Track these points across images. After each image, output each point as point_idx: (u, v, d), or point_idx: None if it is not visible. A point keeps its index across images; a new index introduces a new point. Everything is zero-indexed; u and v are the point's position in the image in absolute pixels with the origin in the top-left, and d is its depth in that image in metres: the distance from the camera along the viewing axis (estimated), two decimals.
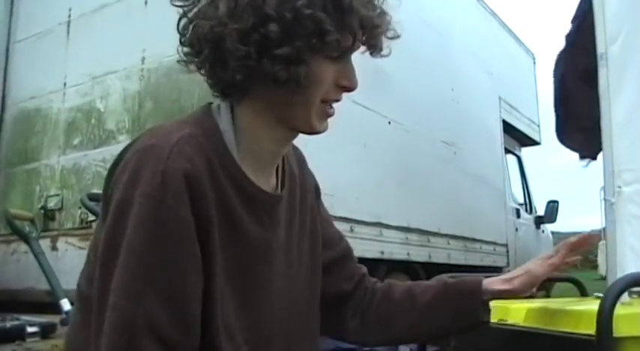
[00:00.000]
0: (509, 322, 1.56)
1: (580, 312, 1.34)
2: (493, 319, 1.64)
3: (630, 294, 1.43)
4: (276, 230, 1.22)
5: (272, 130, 1.18)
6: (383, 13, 1.15)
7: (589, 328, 1.24)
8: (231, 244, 1.12)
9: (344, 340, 1.50)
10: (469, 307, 1.38)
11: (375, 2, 1.13)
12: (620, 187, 3.71)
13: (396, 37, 1.18)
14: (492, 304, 1.73)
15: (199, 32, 1.09)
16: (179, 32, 1.15)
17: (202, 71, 1.15)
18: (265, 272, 1.18)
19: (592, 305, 1.36)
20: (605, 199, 3.82)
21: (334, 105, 1.19)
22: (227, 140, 1.15)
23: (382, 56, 1.19)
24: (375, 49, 1.17)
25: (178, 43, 1.16)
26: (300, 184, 1.34)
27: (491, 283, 1.41)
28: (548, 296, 8.38)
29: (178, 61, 1.17)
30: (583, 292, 2.01)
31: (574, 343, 1.26)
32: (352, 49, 1.13)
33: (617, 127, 3.74)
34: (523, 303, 1.66)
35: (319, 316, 1.34)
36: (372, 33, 1.13)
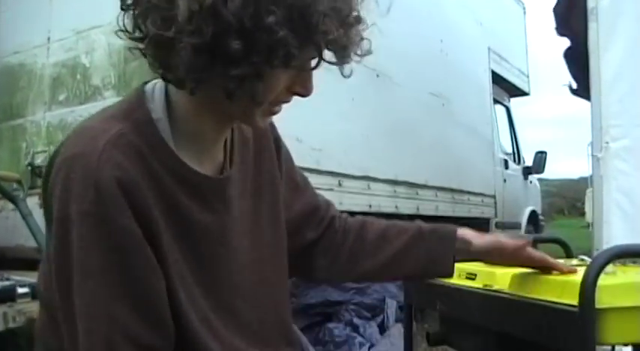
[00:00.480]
0: (495, 287, 1.58)
1: (564, 282, 1.35)
2: (478, 285, 1.66)
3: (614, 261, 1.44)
4: (229, 210, 1.18)
5: (213, 121, 1.14)
6: (354, 30, 1.06)
7: (572, 299, 1.25)
8: (184, 237, 1.10)
9: (311, 279, 1.51)
10: (441, 254, 1.41)
11: (348, 15, 1.03)
12: (607, 142, 3.73)
13: (367, 54, 1.11)
14: (479, 268, 1.75)
15: (149, 28, 0.99)
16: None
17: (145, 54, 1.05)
18: (223, 254, 1.16)
19: (576, 273, 1.37)
20: (592, 155, 3.85)
21: None
22: (162, 130, 1.09)
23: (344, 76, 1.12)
24: (340, 65, 1.09)
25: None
26: (255, 146, 1.29)
27: (464, 233, 1.44)
28: None
29: (116, 32, 1.06)
30: (569, 254, 2.02)
31: (557, 313, 1.27)
32: (315, 67, 1.07)
33: (606, 83, 3.74)
34: (508, 269, 1.68)
35: (287, 278, 1.34)
36: (339, 53, 1.06)
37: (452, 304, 1.70)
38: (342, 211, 1.52)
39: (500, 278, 1.61)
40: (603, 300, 1.22)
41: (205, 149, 1.16)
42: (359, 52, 1.09)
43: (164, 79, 1.08)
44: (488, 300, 1.55)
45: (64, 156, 1.03)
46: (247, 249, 1.22)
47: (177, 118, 1.11)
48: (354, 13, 1.05)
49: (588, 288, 1.19)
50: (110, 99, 3.96)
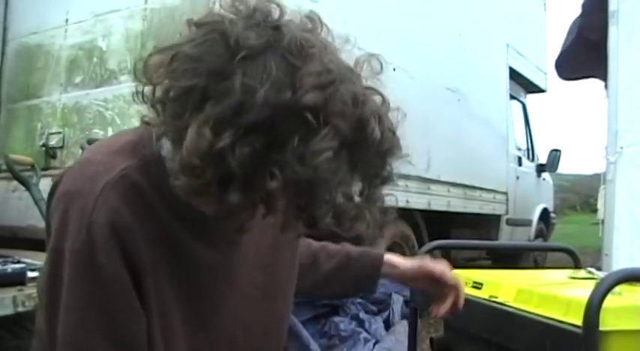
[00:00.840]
0: (499, 300, 1.58)
1: (569, 300, 1.35)
2: (484, 295, 1.67)
3: None
4: (238, 247, 1.18)
5: None
6: (371, 197, 1.01)
7: (576, 318, 1.25)
8: (182, 276, 1.10)
9: None
10: (367, 280, 1.51)
11: (367, 185, 1.00)
12: (621, 147, 3.71)
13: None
14: (485, 278, 1.75)
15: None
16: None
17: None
18: (225, 291, 1.17)
19: (582, 290, 1.37)
20: (606, 159, 3.83)
21: None
22: (170, 169, 1.03)
23: None
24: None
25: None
26: None
27: (391, 258, 1.50)
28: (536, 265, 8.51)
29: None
30: (577, 264, 2.02)
31: (561, 332, 1.28)
32: None
33: (624, 87, 3.71)
34: (514, 281, 1.68)
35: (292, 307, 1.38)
36: (337, 219, 0.99)
37: (457, 313, 1.71)
38: None
39: (506, 290, 1.61)
40: (608, 322, 1.22)
41: None
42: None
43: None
44: (493, 312, 1.55)
45: (65, 189, 1.04)
46: (259, 282, 1.24)
47: None
48: (380, 176, 1.01)
49: (593, 310, 1.19)
50: (125, 83, 3.97)
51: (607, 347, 1.22)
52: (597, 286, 1.22)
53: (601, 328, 1.20)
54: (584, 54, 4.79)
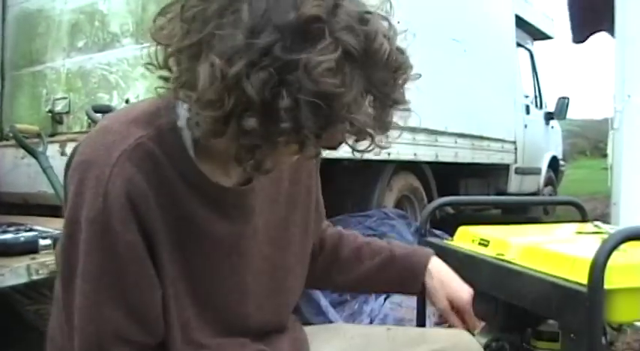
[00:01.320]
0: (506, 257, 1.59)
1: (574, 258, 1.36)
2: (491, 253, 1.68)
3: None
4: (250, 219, 1.20)
5: None
6: (386, 113, 1.01)
7: (581, 277, 1.26)
8: (192, 245, 1.13)
9: None
10: (410, 283, 1.48)
11: (383, 99, 0.99)
12: (629, 95, 3.69)
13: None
14: (492, 236, 1.77)
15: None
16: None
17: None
18: (236, 261, 1.19)
19: (588, 247, 1.38)
20: (614, 107, 3.81)
21: None
22: (185, 139, 1.09)
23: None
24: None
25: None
26: None
27: (434, 267, 1.48)
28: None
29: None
30: (584, 216, 2.02)
31: (566, 290, 1.29)
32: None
33: (631, 36, 3.67)
34: (521, 238, 1.69)
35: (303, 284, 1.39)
36: (358, 138, 1.01)
37: (463, 270, 1.72)
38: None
39: (513, 248, 1.62)
40: (612, 280, 1.23)
41: (228, 161, 1.11)
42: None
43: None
44: (500, 270, 1.57)
45: (82, 158, 1.06)
46: (270, 256, 1.25)
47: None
48: (393, 95, 1.01)
49: (597, 269, 1.20)
50: (129, 46, 3.95)
51: (612, 305, 1.24)
52: (602, 246, 1.22)
53: (605, 287, 1.22)
54: (590, 14, 4.74)
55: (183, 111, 1.08)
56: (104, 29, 4.12)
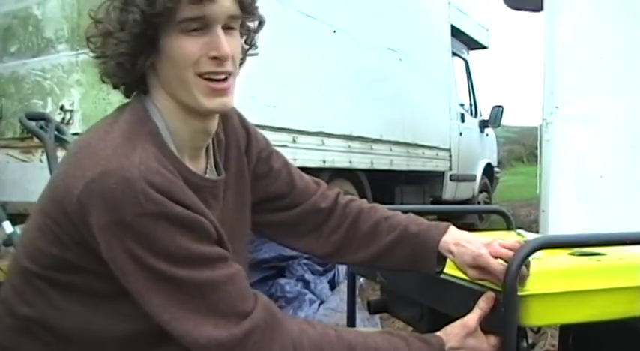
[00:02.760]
0: None
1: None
2: None
3: None
4: (224, 206, 1.32)
5: (183, 119, 1.21)
6: None
7: (497, 284, 1.31)
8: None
9: (313, 255, 1.58)
10: (424, 258, 1.44)
11: None
12: (557, 107, 3.80)
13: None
14: None
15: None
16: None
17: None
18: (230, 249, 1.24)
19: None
20: (542, 119, 3.91)
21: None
22: (166, 138, 1.19)
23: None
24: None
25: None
26: (227, 145, 1.40)
27: (447, 241, 1.42)
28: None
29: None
30: (509, 225, 2.09)
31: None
32: (210, 21, 1.14)
33: (560, 47, 3.78)
34: None
35: None
36: None
37: (390, 278, 1.76)
38: (298, 168, 1.56)
39: None
40: (526, 287, 1.28)
41: (194, 154, 1.26)
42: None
43: (114, 87, 1.23)
44: (423, 276, 1.60)
45: (92, 176, 1.06)
46: (235, 236, 1.32)
47: (169, 128, 1.20)
48: None
49: (511, 276, 1.25)
50: (64, 52, 3.90)
51: (527, 309, 1.28)
52: (515, 254, 1.27)
53: (519, 293, 1.26)
54: None
55: (153, 111, 1.20)
56: (38, 34, 4.08)
